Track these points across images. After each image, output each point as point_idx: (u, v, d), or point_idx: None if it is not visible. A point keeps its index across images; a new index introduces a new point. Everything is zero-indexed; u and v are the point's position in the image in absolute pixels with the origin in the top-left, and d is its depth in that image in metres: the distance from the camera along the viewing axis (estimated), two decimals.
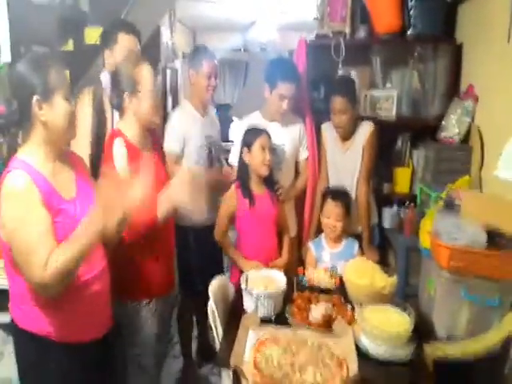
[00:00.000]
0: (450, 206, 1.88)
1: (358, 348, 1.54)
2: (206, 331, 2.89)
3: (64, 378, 1.47)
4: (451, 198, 1.89)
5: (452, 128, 2.46)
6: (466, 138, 2.44)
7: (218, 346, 1.76)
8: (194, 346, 2.98)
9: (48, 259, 1.29)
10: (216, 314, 1.84)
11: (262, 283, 1.82)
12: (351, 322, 1.69)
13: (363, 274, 1.85)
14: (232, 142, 2.63)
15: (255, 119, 2.49)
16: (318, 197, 2.57)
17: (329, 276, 2.05)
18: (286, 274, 1.98)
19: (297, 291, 1.92)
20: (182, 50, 6.09)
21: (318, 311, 1.72)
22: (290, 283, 1.91)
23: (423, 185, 2.56)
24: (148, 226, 1.72)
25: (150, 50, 4.00)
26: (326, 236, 2.38)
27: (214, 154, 2.59)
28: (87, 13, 3.20)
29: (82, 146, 1.74)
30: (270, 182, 2.29)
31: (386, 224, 2.77)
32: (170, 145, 2.37)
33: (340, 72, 2.76)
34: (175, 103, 5.29)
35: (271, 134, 2.25)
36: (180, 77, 5.75)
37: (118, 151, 1.72)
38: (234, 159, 2.46)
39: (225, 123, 7.34)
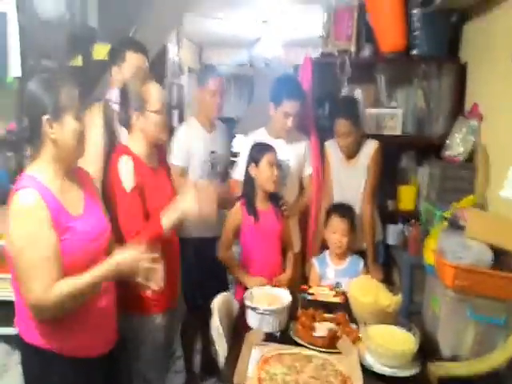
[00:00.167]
0: (455, 225, 1.88)
1: (362, 366, 1.53)
2: (210, 345, 2.88)
3: None
4: (456, 217, 1.89)
5: (457, 147, 2.46)
6: (470, 157, 2.45)
7: (221, 361, 1.76)
8: (198, 360, 2.96)
9: (50, 285, 1.31)
10: (220, 330, 1.83)
11: (266, 300, 1.82)
12: (356, 340, 1.68)
13: (367, 291, 1.85)
14: (236, 155, 2.67)
15: (260, 136, 2.52)
16: (322, 213, 2.58)
17: (333, 293, 2.05)
18: (290, 290, 1.98)
19: (301, 308, 1.91)
20: (188, 65, 6.17)
21: (322, 330, 1.72)
22: (294, 300, 1.91)
23: (428, 203, 2.57)
24: (154, 239, 1.72)
25: (157, 66, 4.06)
26: (331, 252, 2.39)
27: (218, 170, 2.61)
28: (96, 29, 3.25)
29: (92, 162, 1.76)
30: (274, 197, 2.31)
31: (391, 241, 2.77)
32: (176, 158, 2.43)
33: (345, 90, 2.79)
34: (181, 118, 5.35)
35: (277, 150, 2.27)
36: (186, 92, 5.81)
37: (124, 169, 1.73)
38: (237, 174, 2.47)
39: (228, 137, 7.42)
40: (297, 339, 1.70)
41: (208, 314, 2.80)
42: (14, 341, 1.57)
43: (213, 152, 2.57)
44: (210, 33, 6.19)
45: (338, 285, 2.26)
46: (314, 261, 2.42)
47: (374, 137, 2.61)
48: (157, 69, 4.18)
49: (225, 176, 2.70)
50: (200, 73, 2.76)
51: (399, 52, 2.66)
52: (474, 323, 1.71)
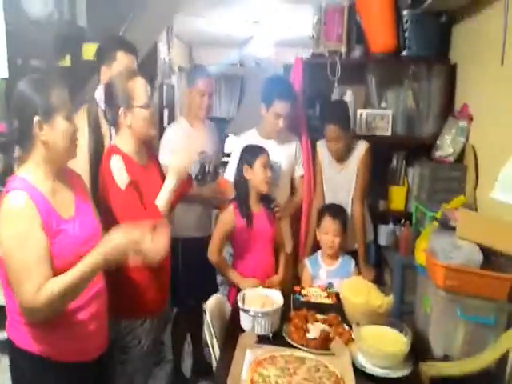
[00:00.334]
0: (446, 225, 1.89)
1: (354, 367, 1.54)
2: (202, 348, 2.87)
3: None
4: (446, 217, 1.90)
5: (447, 148, 2.49)
6: (460, 158, 2.47)
7: (214, 363, 1.76)
8: (189, 362, 2.95)
9: (42, 285, 1.29)
10: (213, 332, 1.83)
11: (259, 302, 1.82)
12: (348, 341, 1.69)
13: (359, 292, 1.85)
14: (227, 155, 2.66)
15: (251, 137, 2.52)
16: (313, 213, 2.59)
17: (325, 294, 2.06)
18: (283, 291, 1.98)
19: (293, 310, 1.92)
20: (179, 65, 6.14)
21: (314, 331, 1.72)
22: (286, 301, 1.91)
23: (418, 203, 2.58)
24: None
25: (147, 66, 4.03)
26: (323, 253, 2.40)
27: (208, 170, 2.61)
28: (85, 29, 3.22)
29: (79, 162, 1.74)
30: (266, 199, 2.31)
31: (382, 241, 2.79)
32: (164, 158, 2.38)
33: (335, 91, 2.79)
34: (171, 118, 5.32)
35: (268, 151, 2.27)
36: (176, 92, 5.79)
37: (116, 168, 1.72)
38: (229, 175, 2.47)
39: (219, 137, 7.41)
40: (290, 341, 1.71)
41: (199, 315, 2.82)
42: (3, 346, 1.54)
43: (202, 152, 2.56)
44: (200, 32, 6.17)
45: (329, 285, 2.27)
46: (306, 261, 2.43)
47: (365, 137, 2.62)
48: (147, 69, 4.16)
49: (214, 175, 2.69)
50: (189, 73, 2.73)
51: (389, 53, 2.67)
52: (464, 323, 1.72)
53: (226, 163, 2.67)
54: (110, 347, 1.64)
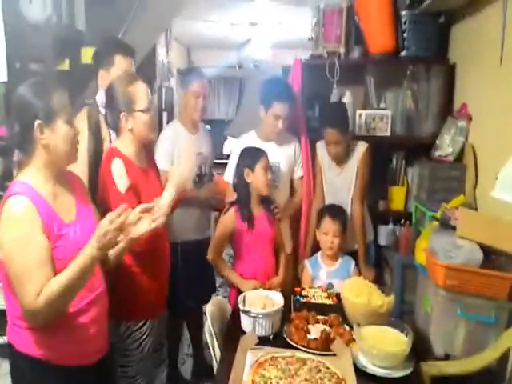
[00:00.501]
0: (446, 225, 1.89)
1: (356, 367, 1.54)
2: (202, 349, 2.87)
3: None
4: (447, 217, 1.90)
5: (446, 147, 2.49)
6: (460, 157, 2.47)
7: (215, 365, 1.76)
8: (190, 364, 2.95)
9: (42, 288, 1.29)
10: (213, 334, 1.83)
11: (260, 303, 1.82)
12: (349, 341, 1.69)
13: (360, 292, 1.85)
14: (226, 157, 2.66)
15: (251, 139, 2.52)
16: (313, 214, 2.59)
17: (326, 295, 2.06)
18: (283, 292, 1.98)
19: (294, 311, 1.92)
20: (177, 66, 6.15)
21: (315, 332, 1.72)
22: (287, 302, 1.91)
23: (418, 203, 2.58)
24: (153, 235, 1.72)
25: (146, 69, 4.04)
26: (323, 254, 2.40)
27: (204, 171, 2.61)
28: (84, 32, 3.23)
29: (79, 165, 1.74)
30: (266, 201, 2.31)
31: (382, 241, 2.79)
32: (161, 163, 2.38)
33: (334, 92, 2.79)
34: (170, 121, 5.32)
35: (268, 153, 2.27)
36: (175, 95, 5.80)
37: (117, 171, 1.72)
38: (229, 177, 2.47)
39: (219, 139, 7.43)
40: (290, 342, 1.70)
41: (199, 317, 2.82)
42: (3, 350, 1.54)
43: (198, 154, 2.56)
44: (199, 35, 6.18)
45: (330, 286, 2.27)
46: (306, 262, 2.43)
47: (364, 138, 2.62)
48: (147, 71, 4.17)
49: (210, 176, 2.70)
50: (183, 75, 2.72)
51: (388, 53, 2.67)
52: (464, 322, 1.73)
53: (223, 165, 2.68)
54: (111, 350, 1.64)
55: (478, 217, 1.96)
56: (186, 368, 2.94)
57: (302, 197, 2.64)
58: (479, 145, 2.33)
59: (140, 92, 1.78)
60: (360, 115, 2.81)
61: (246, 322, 1.80)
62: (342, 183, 2.56)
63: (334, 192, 2.58)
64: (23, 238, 1.31)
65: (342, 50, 2.73)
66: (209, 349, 1.87)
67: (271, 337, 1.76)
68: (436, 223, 2.02)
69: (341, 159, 2.52)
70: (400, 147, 2.88)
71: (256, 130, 2.59)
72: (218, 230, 2.30)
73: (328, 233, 2.34)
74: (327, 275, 2.35)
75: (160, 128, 4.63)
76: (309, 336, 1.72)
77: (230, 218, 2.24)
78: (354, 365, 1.54)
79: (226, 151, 7.14)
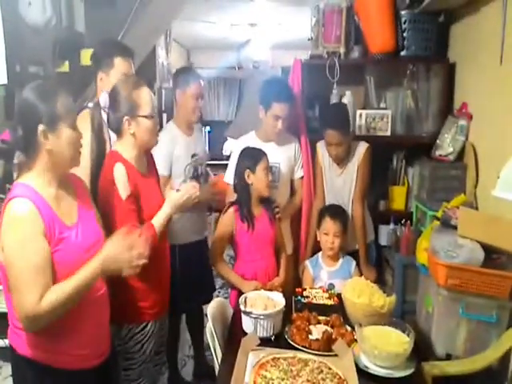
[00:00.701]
0: (447, 224, 1.89)
1: (357, 368, 1.53)
2: (203, 351, 2.87)
3: None
4: (448, 216, 1.90)
5: (446, 146, 2.49)
6: (460, 156, 2.47)
7: (216, 367, 1.75)
8: (191, 366, 2.95)
9: (42, 295, 1.29)
10: (215, 335, 1.83)
11: (261, 304, 1.82)
12: (351, 342, 1.68)
13: (361, 293, 1.85)
14: (226, 158, 2.65)
15: (250, 140, 2.52)
16: (313, 215, 2.58)
17: (327, 295, 2.06)
18: (284, 293, 1.98)
19: (295, 311, 1.92)
20: (177, 68, 6.15)
21: (317, 333, 1.72)
22: (288, 303, 1.90)
23: (419, 202, 2.58)
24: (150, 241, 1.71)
25: (146, 71, 4.04)
26: (324, 254, 2.40)
27: (200, 172, 2.60)
28: (83, 34, 3.23)
29: (81, 168, 1.74)
30: (266, 201, 2.31)
31: (383, 241, 2.79)
32: (159, 168, 2.35)
33: (334, 92, 2.79)
34: None
35: (267, 154, 2.27)
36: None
37: (119, 177, 1.71)
38: (229, 178, 2.47)
39: (219, 140, 7.44)
40: (292, 343, 1.70)
41: (200, 318, 2.82)
42: (4, 353, 1.54)
43: (194, 155, 2.55)
44: (198, 36, 6.18)
45: (330, 286, 2.27)
46: (307, 263, 2.43)
47: (364, 138, 2.62)
48: (147, 73, 4.17)
49: (206, 176, 2.69)
50: (179, 75, 2.65)
51: (388, 53, 2.67)
52: (466, 321, 1.73)
53: (223, 166, 2.67)
54: (113, 354, 1.64)
55: (478, 216, 1.95)
56: (187, 370, 2.94)
57: (302, 197, 2.64)
58: (480, 144, 2.33)
59: (145, 97, 1.77)
60: (360, 115, 2.80)
61: (247, 323, 1.79)
62: (342, 183, 2.55)
63: (335, 192, 2.58)
64: (24, 242, 1.30)
65: (341, 50, 2.73)
66: (210, 350, 1.86)
67: (273, 338, 1.76)
68: (437, 223, 2.02)
69: (342, 160, 2.52)
70: (400, 147, 2.87)
71: (256, 130, 2.59)
72: (218, 230, 2.30)
73: (328, 233, 2.34)
74: (328, 276, 2.35)
75: (160, 130, 4.63)
76: (310, 337, 1.72)
77: (229, 218, 2.24)
78: (356, 365, 1.53)
79: (225, 152, 7.15)
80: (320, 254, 2.43)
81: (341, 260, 2.38)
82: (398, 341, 1.63)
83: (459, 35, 2.65)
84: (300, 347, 1.67)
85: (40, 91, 1.38)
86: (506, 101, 2.03)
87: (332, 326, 1.80)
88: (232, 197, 2.33)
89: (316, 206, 2.59)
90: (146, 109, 1.76)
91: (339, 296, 2.01)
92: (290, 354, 1.60)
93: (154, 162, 2.01)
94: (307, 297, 2.05)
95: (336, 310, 1.93)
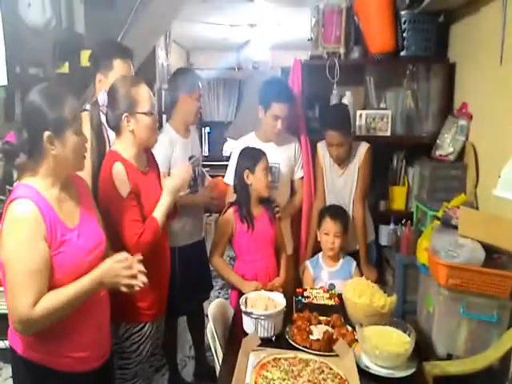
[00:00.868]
0: (447, 224, 1.89)
1: (359, 368, 1.53)
2: (204, 352, 2.86)
3: None
4: (448, 216, 1.90)
5: (447, 147, 2.49)
6: (460, 156, 2.47)
7: (217, 367, 1.75)
8: (192, 367, 2.95)
9: (37, 300, 1.29)
10: (216, 336, 1.83)
11: (262, 304, 1.82)
12: (352, 342, 1.68)
13: (362, 293, 1.85)
14: (226, 159, 2.64)
15: (250, 140, 2.51)
16: (314, 215, 2.58)
17: (328, 296, 2.06)
18: (285, 293, 1.98)
19: (296, 312, 1.91)
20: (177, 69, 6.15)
21: (318, 333, 1.72)
22: (289, 303, 1.90)
23: (419, 202, 2.58)
24: (154, 236, 1.75)
25: (146, 72, 4.04)
26: (324, 255, 2.40)
27: (197, 173, 2.60)
28: (83, 35, 3.23)
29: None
30: (266, 202, 2.31)
31: (383, 241, 2.79)
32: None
33: (334, 92, 2.79)
34: None
35: (267, 154, 2.27)
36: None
37: (119, 176, 1.71)
38: (229, 179, 2.46)
39: (218, 141, 7.44)
40: (293, 343, 1.70)
41: (200, 319, 2.82)
42: (5, 354, 1.54)
43: (191, 157, 2.55)
44: (198, 37, 6.18)
45: (331, 287, 2.27)
46: (308, 263, 2.43)
47: (364, 138, 2.62)
48: (146, 73, 4.17)
49: (202, 177, 2.69)
50: (177, 77, 2.60)
51: (388, 53, 2.67)
52: (467, 321, 1.73)
53: (223, 166, 2.66)
54: (112, 355, 1.64)
55: (479, 216, 1.95)
56: (188, 370, 2.94)
57: (302, 197, 2.63)
58: (480, 144, 2.33)
59: (143, 94, 1.76)
60: (360, 115, 2.81)
61: (248, 324, 1.79)
62: (343, 184, 2.55)
63: (336, 193, 2.58)
64: (24, 245, 1.29)
65: (341, 51, 2.73)
66: (211, 351, 1.86)
67: (273, 338, 1.76)
68: (437, 222, 2.02)
69: (342, 160, 2.52)
70: (400, 147, 2.87)
71: (256, 131, 2.59)
72: (217, 231, 2.30)
73: (329, 233, 2.34)
74: (329, 276, 2.35)
75: (159, 129, 4.63)
76: (311, 337, 1.72)
77: (229, 219, 2.24)
78: (357, 365, 1.53)
79: (225, 153, 7.15)
80: (320, 254, 2.43)
81: (341, 260, 2.38)
82: (398, 341, 1.63)
83: (459, 35, 2.65)
84: (301, 347, 1.67)
85: (47, 95, 1.36)
86: (506, 101, 2.03)
87: (333, 327, 1.80)
88: (232, 197, 2.33)
89: (316, 207, 2.59)
90: (144, 105, 1.76)
91: (340, 296, 2.01)
92: (290, 354, 1.60)
93: (154, 159, 2.00)
94: (308, 297, 2.05)
95: (337, 310, 1.93)
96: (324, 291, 2.12)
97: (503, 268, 1.69)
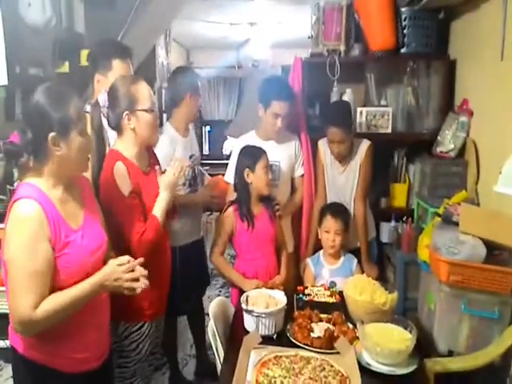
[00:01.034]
0: (448, 220, 1.89)
1: (360, 365, 1.53)
2: (205, 350, 2.87)
3: None
4: (449, 212, 1.90)
5: (447, 143, 2.48)
6: (461, 153, 2.47)
7: (218, 366, 1.75)
8: (193, 365, 2.95)
9: (37, 301, 1.28)
10: (216, 334, 1.83)
11: (262, 302, 1.82)
12: (353, 339, 1.68)
13: (363, 290, 1.85)
14: (226, 157, 2.64)
15: (251, 139, 2.51)
16: (315, 213, 2.58)
17: (329, 293, 2.06)
18: (286, 291, 1.98)
19: (297, 309, 1.91)
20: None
21: (319, 330, 1.72)
22: (289, 301, 1.90)
23: (420, 199, 2.58)
24: (156, 233, 1.76)
25: (146, 71, 4.03)
26: (325, 252, 2.39)
27: (197, 172, 2.60)
28: (83, 35, 3.23)
29: None
30: (267, 200, 2.30)
31: (384, 239, 2.79)
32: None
33: (335, 89, 2.79)
34: None
35: (267, 152, 2.27)
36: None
37: (120, 175, 1.71)
38: (229, 177, 2.46)
39: (218, 139, 7.44)
40: (294, 341, 1.70)
41: (201, 318, 2.82)
42: (6, 354, 1.54)
43: (192, 156, 2.55)
44: (198, 35, 6.18)
45: (332, 284, 2.27)
46: (309, 261, 2.43)
47: (365, 135, 2.62)
48: (147, 72, 4.16)
49: (202, 176, 2.68)
50: (177, 75, 2.57)
51: (388, 50, 2.66)
52: (468, 317, 1.73)
53: (223, 165, 2.66)
54: (112, 355, 1.64)
55: (480, 212, 1.95)
56: (189, 369, 2.93)
57: (302, 195, 2.63)
58: (480, 140, 2.32)
59: (143, 92, 1.76)
60: (361, 112, 2.80)
61: (249, 322, 1.79)
62: (344, 181, 2.55)
63: (337, 190, 2.57)
64: (27, 246, 1.28)
65: (342, 48, 2.72)
66: (212, 349, 1.86)
67: (274, 336, 1.76)
68: (438, 219, 2.01)
69: (344, 157, 2.52)
70: (401, 144, 2.87)
71: (256, 129, 2.58)
72: (218, 229, 2.30)
73: (329, 231, 2.33)
74: (330, 273, 2.35)
75: (160, 127, 4.63)
76: (312, 334, 1.72)
77: (229, 217, 2.24)
78: (358, 362, 1.53)
79: (226, 152, 7.15)
80: (321, 252, 2.43)
81: (342, 258, 2.38)
82: (400, 338, 1.63)
83: (459, 32, 2.64)
84: (302, 345, 1.66)
85: (52, 96, 1.34)
86: (507, 97, 2.03)
87: (334, 324, 1.80)
88: (232, 196, 2.33)
89: (317, 204, 2.58)
90: (145, 103, 1.76)
91: (341, 294, 2.01)
92: (291, 352, 1.60)
93: (156, 158, 2.00)
94: (309, 295, 2.05)
95: (338, 307, 1.93)
96: (325, 289, 2.12)
97: (504, 264, 1.69)
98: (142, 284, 1.47)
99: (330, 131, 2.42)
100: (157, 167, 1.91)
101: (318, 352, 1.61)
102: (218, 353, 1.81)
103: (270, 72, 5.70)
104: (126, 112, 1.74)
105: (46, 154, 1.34)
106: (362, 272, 2.31)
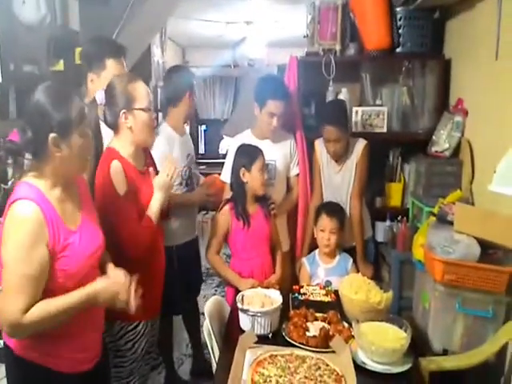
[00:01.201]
0: (443, 220, 1.89)
1: (355, 364, 1.53)
2: (201, 349, 2.86)
3: None
4: (444, 212, 1.91)
5: (442, 143, 2.49)
6: (456, 152, 2.48)
7: (214, 365, 1.75)
8: (189, 364, 2.95)
9: (29, 305, 1.27)
10: (212, 333, 1.83)
11: (258, 302, 1.82)
12: (348, 338, 1.68)
13: (358, 289, 1.86)
14: (222, 156, 2.63)
15: (246, 138, 2.51)
16: (310, 212, 2.58)
17: (324, 292, 2.06)
18: (281, 290, 1.98)
19: (293, 309, 1.91)
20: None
21: (314, 329, 1.72)
22: (285, 300, 1.90)
23: (415, 198, 2.59)
24: (150, 234, 1.76)
25: (141, 69, 4.02)
26: (320, 251, 2.40)
27: (193, 171, 2.59)
28: (78, 32, 3.21)
29: None
30: (262, 198, 2.30)
31: (379, 238, 2.79)
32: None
33: (330, 89, 2.79)
34: None
35: (263, 151, 2.27)
36: None
37: (116, 174, 1.70)
38: (225, 177, 2.46)
39: (214, 138, 7.42)
40: (289, 340, 1.70)
41: (196, 317, 2.81)
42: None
43: (188, 155, 2.54)
44: (193, 34, 6.16)
45: (327, 283, 2.27)
46: (304, 260, 2.43)
47: (360, 135, 2.62)
48: (142, 71, 4.15)
49: (197, 176, 2.68)
50: (172, 74, 2.56)
51: (384, 50, 2.67)
52: (463, 316, 1.74)
53: (220, 164, 2.65)
54: (106, 355, 1.64)
55: (474, 211, 1.96)
56: (185, 369, 2.93)
57: (298, 194, 2.63)
58: (475, 140, 2.33)
59: (141, 91, 1.76)
60: (356, 112, 2.81)
61: (244, 321, 1.79)
62: (340, 181, 2.55)
63: (333, 189, 2.57)
64: (24, 249, 1.26)
65: (337, 47, 2.73)
66: (207, 348, 1.86)
67: (270, 335, 1.76)
68: (433, 219, 2.02)
69: (340, 157, 2.52)
70: (396, 143, 2.88)
71: (251, 129, 2.58)
72: (213, 228, 2.29)
73: (325, 230, 2.34)
74: (325, 273, 2.35)
75: (156, 126, 4.61)
76: (308, 333, 1.72)
77: (224, 216, 2.24)
78: (354, 361, 1.54)
79: (222, 151, 7.14)
80: (317, 251, 2.43)
81: (338, 257, 2.38)
82: (395, 337, 1.63)
83: (455, 31, 2.65)
84: (297, 344, 1.67)
85: (53, 96, 1.32)
86: (502, 96, 2.04)
87: (329, 323, 1.80)
88: (229, 195, 2.32)
89: (313, 203, 2.58)
90: (142, 102, 1.75)
91: (336, 293, 2.01)
92: (287, 351, 1.60)
93: (152, 159, 1.99)
94: (304, 294, 2.05)
95: (333, 306, 1.93)
96: (320, 288, 2.12)
97: (499, 263, 1.70)
98: (134, 307, 1.50)
99: (326, 130, 2.43)
100: (150, 169, 1.90)
101: (313, 351, 1.61)
102: (214, 352, 1.81)
103: (266, 71, 5.69)
104: (124, 110, 1.73)
105: (45, 154, 1.32)
106: (358, 271, 2.31)
